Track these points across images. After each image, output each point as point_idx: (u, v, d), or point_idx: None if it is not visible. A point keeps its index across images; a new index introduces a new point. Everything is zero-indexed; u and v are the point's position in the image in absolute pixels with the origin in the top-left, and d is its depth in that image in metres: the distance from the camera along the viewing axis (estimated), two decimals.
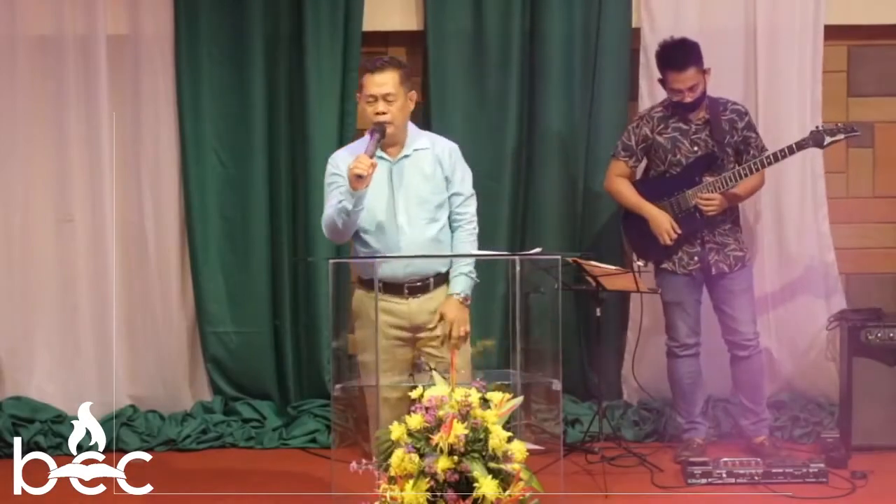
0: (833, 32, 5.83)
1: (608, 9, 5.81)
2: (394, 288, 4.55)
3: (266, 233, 5.94)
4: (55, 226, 5.88)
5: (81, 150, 5.84)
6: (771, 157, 5.22)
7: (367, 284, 4.57)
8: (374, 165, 4.35)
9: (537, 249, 4.65)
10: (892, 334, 5.47)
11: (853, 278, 6.03)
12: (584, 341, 5.93)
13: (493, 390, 3.71)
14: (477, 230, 4.69)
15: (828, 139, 5.19)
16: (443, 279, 4.60)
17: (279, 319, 5.98)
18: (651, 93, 5.81)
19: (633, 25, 5.85)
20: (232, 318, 5.97)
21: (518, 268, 4.52)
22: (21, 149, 5.82)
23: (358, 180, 4.32)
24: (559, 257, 4.62)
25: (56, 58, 5.81)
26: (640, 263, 5.33)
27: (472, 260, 4.62)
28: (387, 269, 4.51)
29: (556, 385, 4.19)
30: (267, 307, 5.98)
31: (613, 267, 5.31)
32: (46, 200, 5.87)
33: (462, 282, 4.60)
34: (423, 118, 5.87)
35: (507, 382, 4.12)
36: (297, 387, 6.01)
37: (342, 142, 5.87)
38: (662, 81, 5.29)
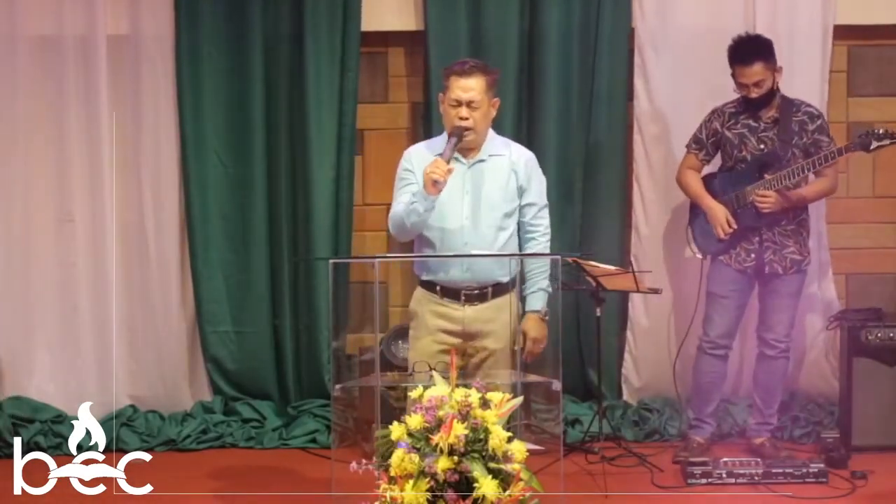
0: (833, 32, 5.82)
1: (607, 9, 5.81)
2: (451, 293, 4.48)
3: (266, 232, 5.94)
4: (55, 226, 5.88)
5: (81, 150, 5.83)
6: (823, 158, 5.21)
7: (427, 286, 4.53)
8: (450, 171, 4.29)
9: (535, 250, 4.64)
10: (892, 334, 5.47)
11: (853, 278, 6.04)
12: (584, 341, 5.93)
13: (493, 390, 3.71)
14: (549, 242, 4.63)
15: (874, 144, 5.18)
16: (502, 289, 4.50)
17: (279, 319, 5.98)
18: (647, 93, 5.81)
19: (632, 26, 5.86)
20: (232, 317, 5.97)
21: (518, 268, 4.53)
22: (21, 149, 5.82)
23: (433, 185, 4.27)
24: (559, 257, 4.62)
25: (56, 58, 5.80)
26: (699, 256, 5.41)
27: (548, 272, 4.57)
28: (447, 275, 4.46)
29: (556, 385, 4.19)
30: (267, 307, 5.97)
31: (613, 267, 5.32)
32: (46, 200, 5.87)
33: (541, 298, 4.56)
34: (424, 118, 5.88)
35: (507, 382, 4.12)
36: (297, 387, 6.00)
37: (341, 142, 5.87)
38: (733, 76, 5.28)
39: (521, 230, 4.60)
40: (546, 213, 4.63)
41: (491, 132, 4.58)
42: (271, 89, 5.89)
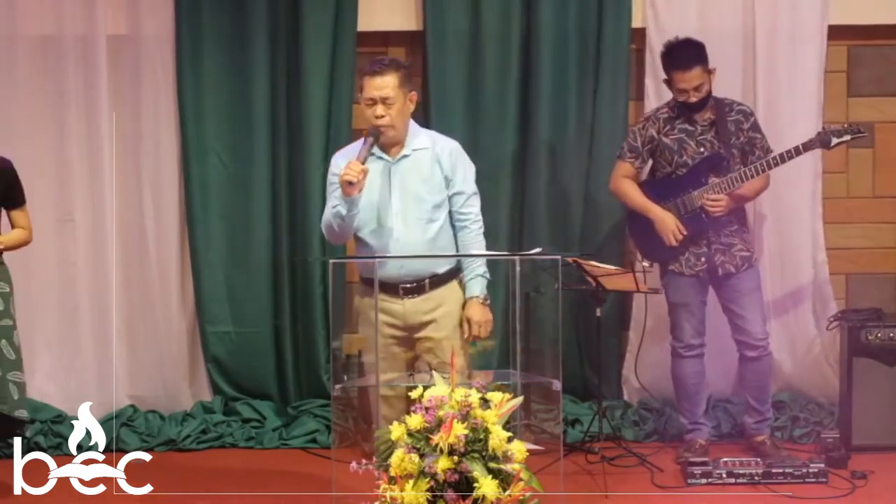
0: (833, 32, 5.83)
1: (608, 9, 5.82)
2: (389, 288, 4.56)
3: (266, 233, 5.94)
4: (55, 226, 5.88)
5: (81, 150, 5.84)
6: (777, 157, 5.21)
7: (367, 283, 4.59)
8: (364, 171, 4.36)
9: (537, 249, 4.65)
10: (892, 334, 5.47)
11: (853, 278, 6.04)
12: (584, 341, 5.93)
13: (493, 390, 3.72)
14: (483, 228, 4.69)
15: (834, 140, 5.18)
16: (440, 280, 4.60)
17: (279, 319, 5.98)
18: (658, 93, 5.81)
19: (639, 25, 5.85)
20: (232, 317, 5.97)
21: (518, 268, 4.53)
22: (21, 149, 5.81)
23: (349, 186, 4.35)
24: (559, 257, 4.62)
25: (56, 58, 5.81)
26: (646, 264, 5.35)
27: (483, 259, 4.63)
28: (383, 270, 4.52)
29: (556, 385, 4.20)
30: (267, 307, 5.98)
31: (613, 267, 5.32)
32: (46, 200, 5.87)
33: (479, 283, 4.62)
34: (423, 118, 5.86)
35: (507, 382, 4.12)
36: (296, 387, 6.01)
37: (329, 142, 5.87)
38: (668, 82, 5.29)
39: (453, 219, 4.66)
40: (476, 200, 4.68)
41: (415, 126, 4.64)
42: (271, 89, 5.89)
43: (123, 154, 5.82)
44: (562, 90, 5.88)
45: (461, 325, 4.63)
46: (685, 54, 5.20)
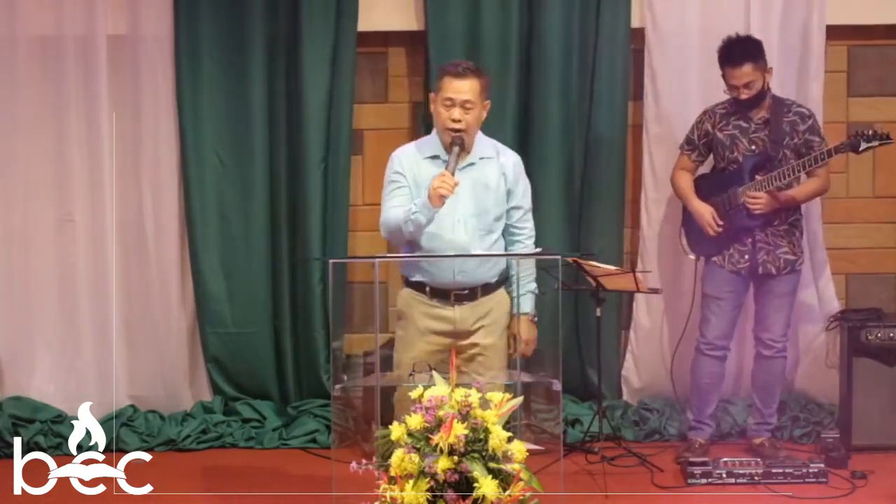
0: (833, 32, 5.83)
1: (607, 9, 5.81)
2: (441, 294, 4.53)
3: (266, 233, 5.94)
4: (55, 226, 5.88)
5: (81, 150, 5.84)
6: (813, 159, 5.21)
7: (414, 286, 4.56)
8: (457, 184, 4.33)
9: (537, 249, 4.65)
10: (892, 334, 5.47)
11: (853, 278, 6.04)
12: (584, 341, 5.93)
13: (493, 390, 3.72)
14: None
15: (864, 145, 5.18)
16: (490, 288, 4.56)
17: (279, 319, 5.98)
18: (655, 93, 5.81)
19: (638, 25, 5.85)
20: (232, 318, 5.97)
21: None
22: (21, 149, 5.82)
23: (440, 199, 4.31)
24: (559, 257, 4.62)
25: (56, 58, 5.80)
26: (692, 257, 5.42)
27: (534, 275, 4.61)
28: (437, 277, 4.50)
29: (556, 385, 4.20)
30: (267, 307, 5.97)
31: (613, 267, 5.32)
32: (46, 200, 5.87)
33: (531, 300, 4.60)
34: (424, 118, 5.88)
35: (507, 382, 4.13)
36: (296, 387, 6.00)
37: (329, 144, 5.86)
38: (723, 77, 5.29)
39: (506, 232, 4.63)
40: (530, 216, 4.66)
41: (479, 134, 4.59)
42: (271, 89, 5.89)
43: (123, 154, 5.82)
44: (562, 90, 5.87)
45: (508, 337, 4.59)
46: (736, 51, 5.22)
